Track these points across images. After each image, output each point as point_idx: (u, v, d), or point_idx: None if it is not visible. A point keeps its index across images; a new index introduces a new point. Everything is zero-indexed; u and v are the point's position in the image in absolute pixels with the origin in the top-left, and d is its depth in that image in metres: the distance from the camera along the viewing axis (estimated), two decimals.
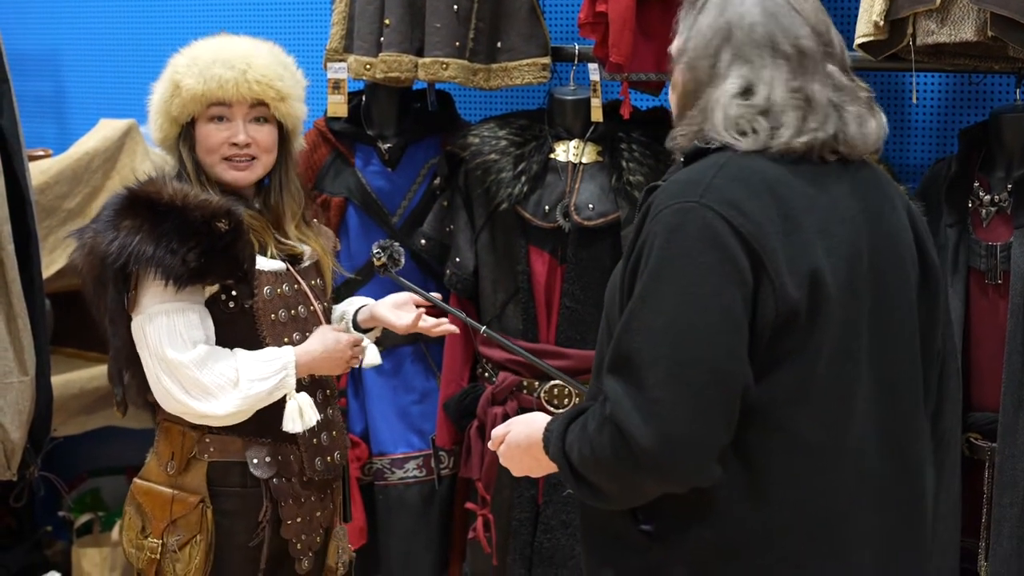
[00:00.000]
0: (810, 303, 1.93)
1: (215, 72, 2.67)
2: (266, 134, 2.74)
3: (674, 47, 2.14)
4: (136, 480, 2.79)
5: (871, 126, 2.07)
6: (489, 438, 2.23)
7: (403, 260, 2.84)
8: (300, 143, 2.88)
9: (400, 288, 2.89)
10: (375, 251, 2.82)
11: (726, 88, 2.02)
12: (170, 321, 2.59)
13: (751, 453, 1.94)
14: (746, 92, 2.01)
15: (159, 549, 2.70)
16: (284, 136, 2.79)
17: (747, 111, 2.00)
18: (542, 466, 2.15)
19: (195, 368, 2.58)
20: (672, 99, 2.17)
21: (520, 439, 2.20)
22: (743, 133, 2.00)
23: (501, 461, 2.28)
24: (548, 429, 2.09)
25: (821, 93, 2.02)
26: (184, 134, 2.73)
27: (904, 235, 2.12)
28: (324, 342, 2.72)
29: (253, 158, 2.73)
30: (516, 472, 2.27)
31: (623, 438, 1.88)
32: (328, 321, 2.85)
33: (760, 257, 1.90)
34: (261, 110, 2.73)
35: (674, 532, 1.99)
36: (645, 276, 1.93)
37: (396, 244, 2.83)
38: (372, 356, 2.94)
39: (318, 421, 2.73)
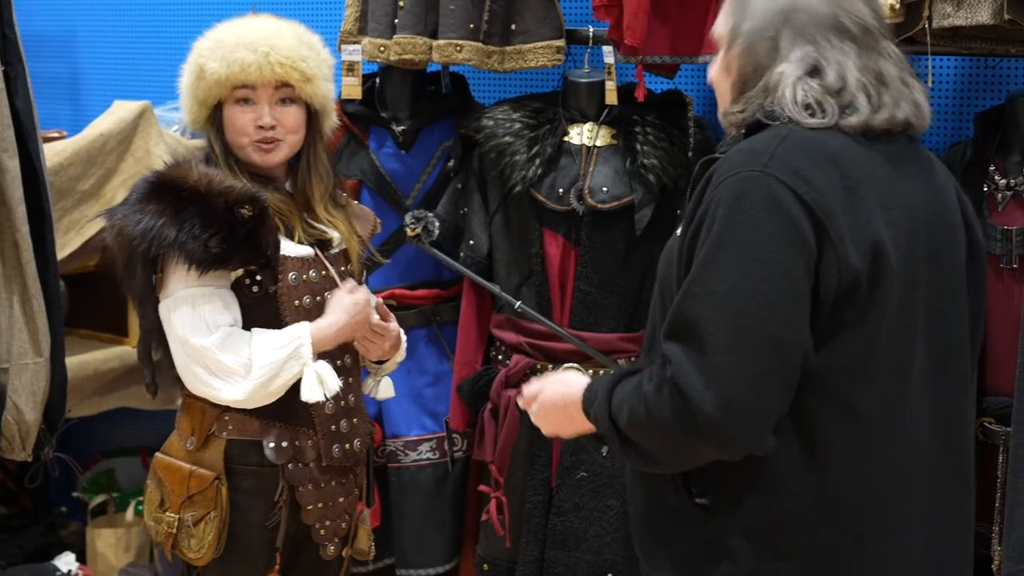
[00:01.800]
0: (871, 274, 1.93)
1: (238, 56, 2.67)
2: (291, 115, 2.74)
3: (722, 30, 2.11)
4: (158, 454, 2.82)
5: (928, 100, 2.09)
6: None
7: (436, 231, 2.83)
8: (333, 121, 2.86)
9: (432, 259, 2.85)
10: (409, 221, 2.80)
11: (790, 69, 2.01)
12: (195, 307, 2.61)
13: (808, 424, 1.95)
14: (814, 72, 2.00)
15: (176, 524, 2.72)
16: (312, 116, 2.78)
17: (817, 91, 2.00)
18: (575, 425, 2.15)
19: (217, 350, 2.59)
20: (722, 82, 2.13)
21: (555, 397, 2.19)
22: (811, 112, 1.99)
23: (533, 419, 2.27)
24: (590, 388, 2.09)
25: (889, 69, 2.03)
26: (213, 116, 2.74)
27: (955, 216, 2.13)
28: (344, 308, 2.70)
29: (278, 140, 2.73)
30: (547, 431, 2.26)
31: (683, 400, 1.88)
32: None
33: (824, 225, 1.90)
34: (286, 91, 2.72)
35: (730, 504, 2.00)
36: (708, 243, 1.92)
37: (430, 215, 2.82)
38: (386, 389, 2.98)
39: (340, 406, 2.73)
